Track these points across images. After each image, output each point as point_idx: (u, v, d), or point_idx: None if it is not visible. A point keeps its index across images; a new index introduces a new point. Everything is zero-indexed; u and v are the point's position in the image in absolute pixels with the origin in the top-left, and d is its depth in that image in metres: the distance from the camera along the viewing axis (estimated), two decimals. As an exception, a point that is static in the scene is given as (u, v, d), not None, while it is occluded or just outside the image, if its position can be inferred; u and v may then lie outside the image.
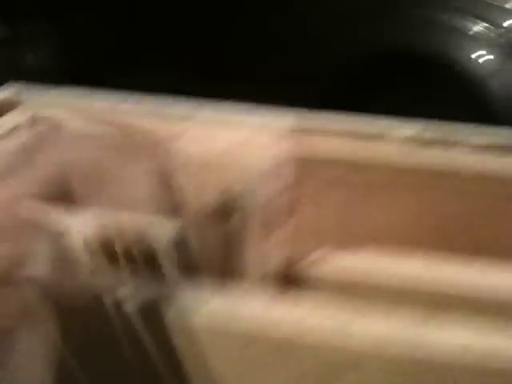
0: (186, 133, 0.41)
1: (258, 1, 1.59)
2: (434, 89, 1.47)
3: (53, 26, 1.85)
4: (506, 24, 1.49)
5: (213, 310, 0.39)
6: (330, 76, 1.54)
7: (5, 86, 0.70)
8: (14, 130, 0.64)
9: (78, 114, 0.66)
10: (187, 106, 0.63)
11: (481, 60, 1.51)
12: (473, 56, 1.51)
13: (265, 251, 0.39)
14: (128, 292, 0.40)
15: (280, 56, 1.55)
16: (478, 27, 1.51)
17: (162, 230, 0.41)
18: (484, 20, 1.51)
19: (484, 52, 1.51)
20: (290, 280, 0.42)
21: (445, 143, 0.61)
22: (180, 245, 0.40)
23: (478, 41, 1.52)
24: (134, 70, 1.56)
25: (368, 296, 0.40)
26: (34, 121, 0.66)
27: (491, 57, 1.51)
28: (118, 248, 0.43)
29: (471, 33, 1.51)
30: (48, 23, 1.86)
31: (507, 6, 1.49)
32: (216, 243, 0.41)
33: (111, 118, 0.65)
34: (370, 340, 0.34)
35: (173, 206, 0.47)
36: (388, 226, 0.60)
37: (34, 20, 1.90)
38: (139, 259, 0.41)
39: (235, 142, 0.39)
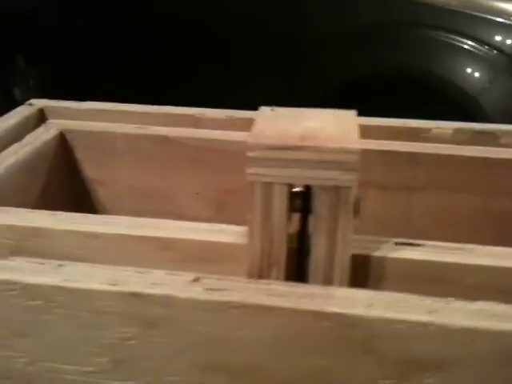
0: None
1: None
2: (426, 105, 1.48)
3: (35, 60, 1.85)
4: (498, 39, 1.52)
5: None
6: (321, 99, 1.55)
7: (26, 103, 0.67)
8: (43, 146, 0.62)
9: (108, 126, 0.64)
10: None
11: (472, 76, 1.53)
12: (466, 72, 1.53)
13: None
14: None
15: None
16: (469, 43, 1.53)
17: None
18: (475, 36, 1.53)
19: (475, 68, 1.53)
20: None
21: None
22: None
23: (470, 57, 1.54)
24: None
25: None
26: (62, 136, 0.64)
27: (484, 72, 1.53)
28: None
29: (463, 49, 1.53)
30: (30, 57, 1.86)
31: (499, 19, 1.52)
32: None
33: (147, 130, 0.63)
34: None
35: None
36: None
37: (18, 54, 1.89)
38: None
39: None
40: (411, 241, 0.43)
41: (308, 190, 0.39)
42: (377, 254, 0.42)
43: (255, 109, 0.47)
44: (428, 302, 0.37)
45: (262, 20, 1.58)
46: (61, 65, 1.83)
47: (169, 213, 0.64)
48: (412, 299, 0.37)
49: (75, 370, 0.41)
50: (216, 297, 0.37)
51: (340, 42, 1.55)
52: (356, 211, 0.41)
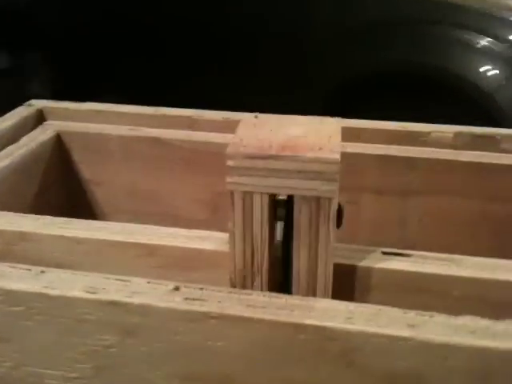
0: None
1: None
2: (441, 103, 1.46)
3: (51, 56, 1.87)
4: (512, 37, 1.50)
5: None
6: (332, 96, 1.54)
7: (25, 104, 0.68)
8: (40, 147, 0.62)
9: (104, 128, 0.64)
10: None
11: (488, 74, 1.51)
12: (480, 70, 1.51)
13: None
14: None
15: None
16: (485, 41, 1.51)
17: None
18: (491, 33, 1.51)
19: (491, 66, 1.51)
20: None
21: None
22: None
23: (485, 55, 1.52)
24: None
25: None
26: (58, 137, 0.64)
27: (498, 71, 1.51)
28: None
29: (478, 46, 1.51)
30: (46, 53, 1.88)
31: (513, 18, 1.50)
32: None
33: (141, 132, 0.63)
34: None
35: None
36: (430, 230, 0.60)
37: (35, 50, 1.91)
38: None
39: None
40: (399, 251, 0.43)
41: (291, 198, 0.38)
42: (362, 263, 0.41)
43: (256, 109, 0.46)
44: (411, 315, 0.36)
45: (263, 18, 1.57)
46: (73, 62, 1.84)
47: (164, 214, 0.64)
48: (394, 312, 0.37)
49: (59, 375, 0.41)
50: (195, 307, 0.37)
51: (352, 39, 1.53)
52: (339, 221, 0.40)
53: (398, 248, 0.43)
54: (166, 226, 0.45)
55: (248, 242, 0.39)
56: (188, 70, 1.63)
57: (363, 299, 0.40)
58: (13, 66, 1.94)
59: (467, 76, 1.48)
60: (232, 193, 0.37)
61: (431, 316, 0.36)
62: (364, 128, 0.62)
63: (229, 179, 0.37)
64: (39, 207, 0.58)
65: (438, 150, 0.60)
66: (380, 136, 0.62)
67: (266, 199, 0.37)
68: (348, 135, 0.62)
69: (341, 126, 0.60)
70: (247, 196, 0.37)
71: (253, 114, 0.41)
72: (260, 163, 0.36)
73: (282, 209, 0.39)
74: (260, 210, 0.37)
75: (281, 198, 0.39)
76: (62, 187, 0.64)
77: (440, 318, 0.36)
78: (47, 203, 0.61)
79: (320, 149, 0.36)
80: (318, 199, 0.36)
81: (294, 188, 0.36)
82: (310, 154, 0.35)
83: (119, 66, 1.73)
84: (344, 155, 0.59)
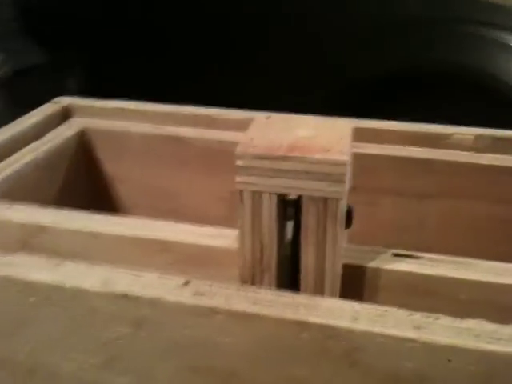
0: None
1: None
2: (475, 102, 1.44)
3: (87, 53, 1.91)
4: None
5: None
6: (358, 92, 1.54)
7: (52, 101, 0.70)
8: (64, 143, 0.64)
9: (127, 125, 0.66)
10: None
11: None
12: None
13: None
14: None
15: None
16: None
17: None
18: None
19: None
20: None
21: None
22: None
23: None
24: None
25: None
26: (83, 134, 0.66)
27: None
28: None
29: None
30: (82, 50, 1.92)
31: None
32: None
33: (162, 130, 0.64)
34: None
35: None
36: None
37: (71, 46, 1.95)
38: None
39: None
40: (409, 253, 0.43)
41: (300, 198, 0.39)
42: (371, 264, 0.42)
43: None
44: (417, 317, 0.36)
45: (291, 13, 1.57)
46: (110, 58, 1.87)
47: (182, 211, 0.65)
48: (400, 313, 0.37)
49: (72, 364, 0.43)
50: (203, 302, 0.38)
51: (385, 36, 1.52)
52: (348, 222, 0.41)
53: (413, 251, 0.43)
54: (183, 222, 0.46)
55: (257, 240, 0.39)
56: (217, 70, 1.65)
57: (371, 300, 0.41)
58: (49, 62, 1.99)
59: (503, 76, 1.46)
60: (241, 192, 0.38)
61: (437, 318, 0.36)
62: (383, 129, 0.62)
63: (238, 178, 0.37)
64: (62, 202, 0.59)
65: (457, 152, 0.59)
66: (400, 137, 0.62)
67: (274, 199, 0.38)
68: (367, 136, 0.62)
69: (356, 127, 0.61)
70: (256, 195, 0.38)
71: (266, 114, 0.42)
72: (268, 163, 0.37)
73: (291, 208, 0.40)
74: (268, 209, 0.38)
75: (291, 197, 0.40)
76: (85, 183, 0.66)
77: (445, 321, 0.36)
78: (70, 198, 0.63)
79: (329, 150, 0.37)
80: (325, 200, 0.37)
81: (302, 188, 0.37)
82: (318, 156, 0.36)
83: (154, 64, 1.75)
84: (362, 156, 0.60)
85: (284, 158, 0.36)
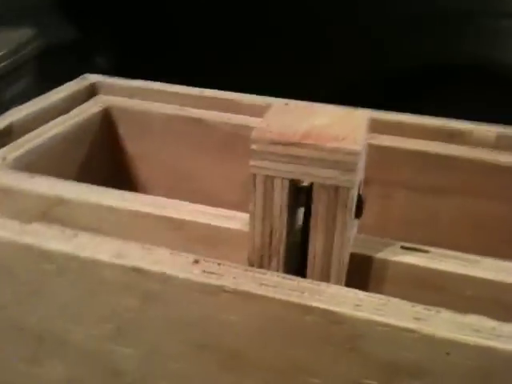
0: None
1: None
2: (504, 95, 1.42)
3: (117, 31, 1.92)
4: None
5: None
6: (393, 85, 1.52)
7: (80, 77, 0.71)
8: (89, 120, 0.65)
9: (150, 105, 0.67)
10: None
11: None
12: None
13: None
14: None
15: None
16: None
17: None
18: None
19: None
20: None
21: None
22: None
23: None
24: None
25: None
26: (107, 111, 0.67)
27: None
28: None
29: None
30: (113, 28, 1.93)
31: None
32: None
33: (184, 112, 0.65)
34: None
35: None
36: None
37: (102, 23, 1.97)
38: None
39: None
40: (418, 246, 0.43)
41: (312, 186, 0.39)
42: (379, 255, 0.42)
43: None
44: (418, 308, 0.37)
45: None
46: (141, 35, 1.88)
47: (199, 193, 0.66)
48: (403, 304, 0.37)
49: (83, 331, 0.44)
50: (211, 280, 0.39)
51: (418, 27, 1.50)
52: (358, 212, 0.41)
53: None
54: (199, 203, 0.48)
55: (267, 224, 0.40)
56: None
57: (377, 290, 0.41)
58: (81, 39, 2.01)
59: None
60: (254, 175, 0.39)
61: (438, 311, 0.36)
62: (404, 122, 0.62)
63: (252, 162, 0.38)
64: (83, 177, 0.61)
65: (477, 149, 0.59)
66: (420, 131, 0.62)
67: (286, 184, 0.38)
68: (388, 128, 0.62)
69: (376, 119, 0.61)
70: (268, 180, 0.38)
71: (284, 101, 0.43)
72: (282, 149, 0.37)
73: (303, 195, 0.41)
74: (280, 194, 0.39)
75: (304, 185, 0.41)
76: (107, 159, 0.68)
77: (447, 315, 0.36)
78: (91, 174, 0.65)
79: (343, 139, 0.37)
80: (336, 188, 0.37)
81: (314, 175, 0.38)
82: (332, 144, 0.36)
83: (185, 45, 1.76)
84: (379, 148, 0.60)
85: (298, 145, 0.37)
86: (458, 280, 0.41)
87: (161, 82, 0.70)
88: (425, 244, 0.44)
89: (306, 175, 0.38)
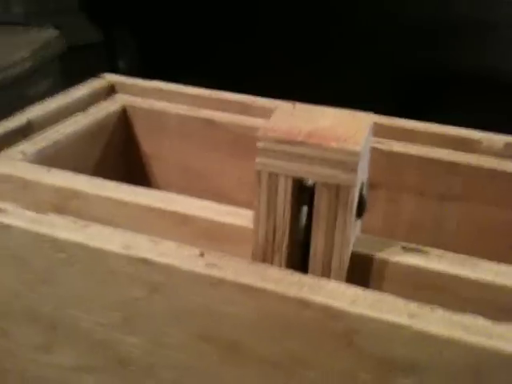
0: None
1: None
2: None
3: (138, 33, 1.95)
4: None
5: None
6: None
7: (100, 75, 0.73)
8: (105, 118, 0.67)
9: (165, 106, 0.69)
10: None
11: None
12: None
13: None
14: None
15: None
16: None
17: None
18: None
19: None
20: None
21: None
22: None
23: None
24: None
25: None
26: (124, 110, 0.69)
27: None
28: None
29: None
30: (134, 30, 1.97)
31: None
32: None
33: (198, 113, 0.67)
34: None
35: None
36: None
37: (123, 26, 2.00)
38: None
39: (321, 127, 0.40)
40: (418, 247, 0.44)
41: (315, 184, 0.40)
42: (379, 255, 0.43)
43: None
44: (412, 306, 0.38)
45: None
46: (163, 37, 1.91)
47: (211, 192, 0.67)
48: (398, 301, 0.38)
49: (93, 320, 0.46)
50: (214, 272, 0.40)
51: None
52: (360, 211, 0.42)
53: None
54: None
55: (270, 220, 0.42)
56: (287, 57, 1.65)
57: (377, 289, 0.42)
58: (103, 41, 2.05)
59: None
60: (259, 172, 0.40)
61: (432, 309, 0.37)
62: (414, 129, 0.63)
63: (257, 159, 0.40)
64: (99, 174, 0.63)
65: (484, 157, 0.60)
66: (429, 138, 0.63)
67: (289, 182, 0.40)
68: (397, 134, 0.63)
69: (386, 125, 0.62)
70: (272, 177, 0.40)
71: (290, 103, 0.44)
72: (286, 148, 0.39)
73: (307, 194, 0.42)
74: (284, 192, 0.40)
75: (309, 183, 0.42)
76: (122, 157, 0.70)
77: (440, 313, 0.37)
78: (106, 171, 0.66)
79: (345, 140, 0.38)
80: (337, 187, 0.39)
81: (316, 174, 0.39)
82: (334, 144, 0.38)
83: (215, 44, 1.77)
84: (388, 154, 0.61)
85: (301, 144, 0.38)
86: (456, 281, 0.41)
87: (178, 82, 0.72)
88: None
89: (309, 173, 0.39)
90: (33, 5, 1.85)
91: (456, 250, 0.45)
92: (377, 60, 1.55)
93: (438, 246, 0.49)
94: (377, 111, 0.58)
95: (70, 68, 1.60)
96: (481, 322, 0.36)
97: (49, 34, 1.62)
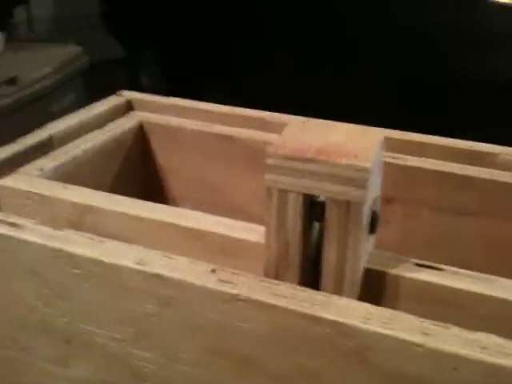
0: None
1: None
2: None
3: (161, 49, 1.98)
4: None
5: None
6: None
7: (118, 92, 0.74)
8: (123, 134, 0.68)
9: (182, 122, 0.70)
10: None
11: None
12: None
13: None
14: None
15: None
16: None
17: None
18: None
19: None
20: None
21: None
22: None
23: None
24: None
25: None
26: (141, 127, 0.70)
27: None
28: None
29: None
30: (156, 46, 2.00)
31: None
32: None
33: (214, 128, 0.68)
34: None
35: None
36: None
37: (146, 42, 2.03)
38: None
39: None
40: (431, 264, 0.44)
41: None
42: (392, 271, 0.43)
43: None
44: (427, 323, 0.38)
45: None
46: (184, 53, 1.93)
47: (226, 206, 0.68)
48: (411, 319, 0.38)
49: (107, 334, 0.46)
50: (226, 288, 0.40)
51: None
52: (373, 228, 0.42)
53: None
54: (225, 217, 0.49)
55: (282, 237, 0.42)
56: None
57: (390, 306, 0.42)
58: (125, 58, 2.08)
59: None
60: (269, 189, 0.40)
61: (446, 327, 0.37)
62: (429, 143, 0.63)
63: (267, 176, 0.40)
64: (116, 189, 0.64)
65: (500, 172, 0.59)
66: (445, 153, 0.62)
67: (300, 198, 0.40)
68: (413, 149, 0.63)
69: (400, 139, 0.62)
70: (282, 193, 0.40)
71: (303, 119, 0.44)
72: (296, 164, 0.39)
73: (318, 209, 0.42)
74: (294, 208, 0.40)
75: (320, 199, 0.42)
76: (139, 173, 0.71)
77: (455, 331, 0.37)
78: (123, 186, 0.67)
79: (355, 156, 0.38)
80: (348, 203, 0.39)
81: (327, 191, 0.39)
82: (344, 160, 0.38)
83: (238, 57, 1.78)
84: (405, 168, 0.61)
85: (311, 161, 0.38)
86: (470, 298, 0.41)
87: (199, 97, 0.73)
88: (447, 263, 0.44)
89: (319, 190, 0.39)
90: (56, 22, 1.89)
91: (471, 266, 0.45)
92: (380, 62, 1.55)
93: (453, 262, 0.48)
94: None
95: (93, 84, 1.63)
96: (495, 339, 0.36)
97: (72, 50, 1.66)
